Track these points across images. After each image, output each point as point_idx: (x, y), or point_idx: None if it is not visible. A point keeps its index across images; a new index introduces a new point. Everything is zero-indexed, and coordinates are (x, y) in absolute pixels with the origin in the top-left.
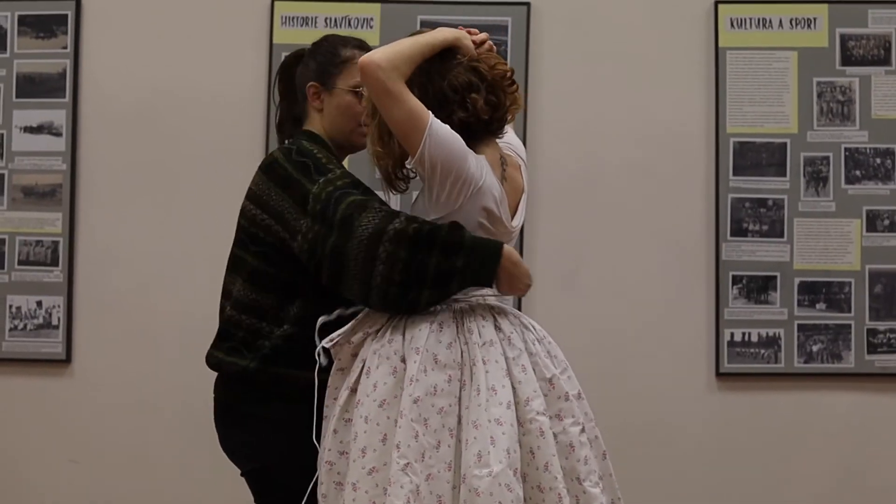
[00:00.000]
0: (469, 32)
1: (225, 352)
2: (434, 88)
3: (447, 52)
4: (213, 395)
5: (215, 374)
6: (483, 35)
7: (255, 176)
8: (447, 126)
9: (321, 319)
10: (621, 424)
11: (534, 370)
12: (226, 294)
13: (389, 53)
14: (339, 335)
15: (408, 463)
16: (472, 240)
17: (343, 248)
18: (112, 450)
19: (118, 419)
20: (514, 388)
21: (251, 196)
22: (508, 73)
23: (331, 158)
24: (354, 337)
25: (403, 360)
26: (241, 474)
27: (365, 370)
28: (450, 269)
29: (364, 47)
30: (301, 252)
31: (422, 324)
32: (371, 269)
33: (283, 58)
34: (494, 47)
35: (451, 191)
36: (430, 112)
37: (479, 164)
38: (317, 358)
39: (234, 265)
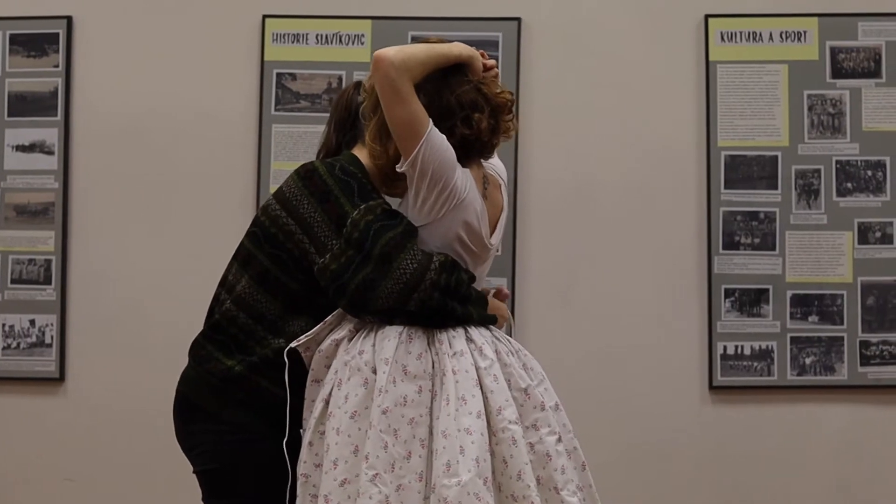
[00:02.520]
0: (482, 55)
1: (215, 345)
2: (442, 100)
3: (458, 68)
4: (177, 387)
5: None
6: (493, 62)
7: (288, 179)
8: (443, 136)
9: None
10: (615, 438)
11: (508, 381)
12: (228, 287)
13: (404, 54)
14: (306, 337)
15: (376, 474)
16: (476, 296)
17: (377, 283)
18: (107, 467)
19: (113, 437)
20: (485, 397)
21: (280, 197)
22: (509, 103)
23: (372, 185)
24: (323, 345)
25: (374, 372)
26: (194, 472)
27: (336, 382)
28: (468, 314)
29: None
30: (324, 270)
31: (391, 334)
32: (405, 304)
33: (274, 75)
34: (499, 75)
35: (436, 200)
36: (430, 119)
37: (464, 178)
38: (284, 359)
39: (245, 260)
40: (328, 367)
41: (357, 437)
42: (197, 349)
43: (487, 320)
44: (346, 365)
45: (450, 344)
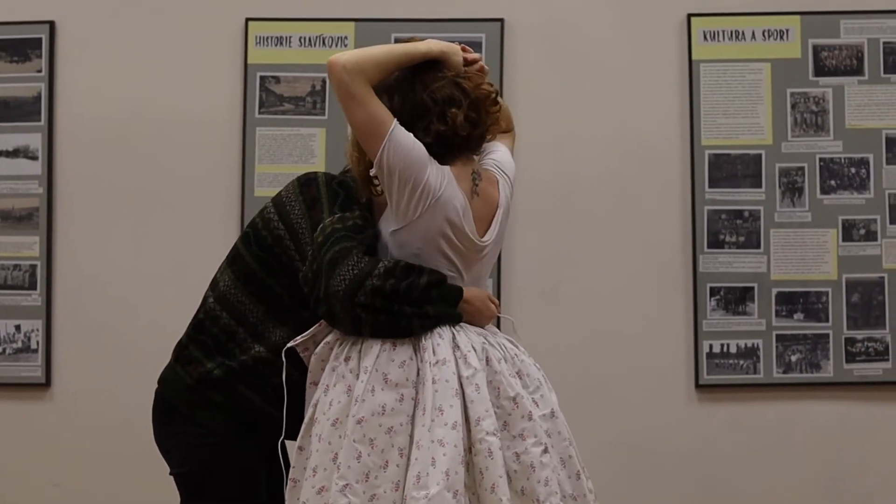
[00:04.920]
0: (463, 49)
1: (197, 346)
2: (415, 98)
3: (433, 65)
4: (155, 389)
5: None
6: (476, 55)
7: (288, 184)
8: (411, 135)
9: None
10: (602, 437)
11: (497, 389)
12: (213, 284)
13: (357, 56)
14: (303, 337)
15: (347, 484)
16: (438, 294)
17: (328, 292)
18: (94, 472)
19: (99, 442)
20: (466, 407)
21: (277, 201)
22: (492, 94)
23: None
24: (319, 348)
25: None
26: (171, 474)
27: (324, 388)
28: (423, 313)
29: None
30: (305, 278)
31: (375, 342)
32: (353, 316)
33: (257, 78)
34: (486, 69)
35: (409, 200)
36: (394, 119)
37: (439, 175)
38: (283, 359)
39: (232, 259)
40: (323, 370)
41: (337, 445)
42: (180, 350)
43: (447, 319)
44: (334, 371)
45: (433, 351)
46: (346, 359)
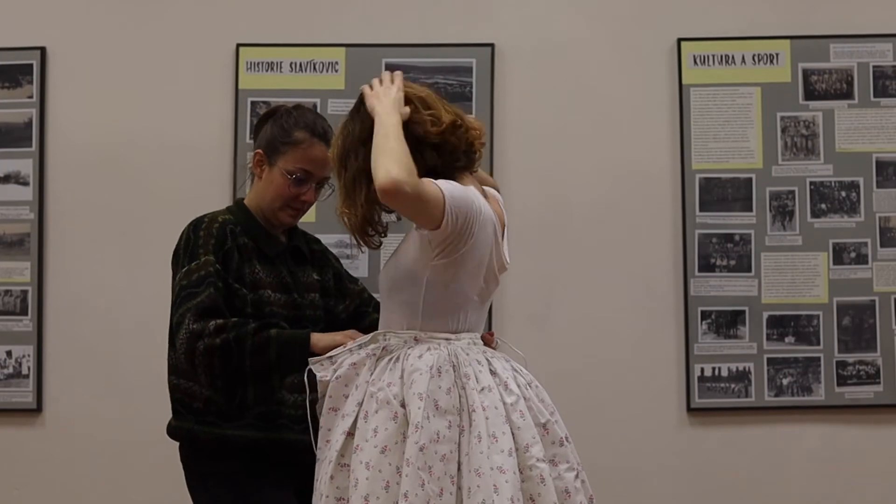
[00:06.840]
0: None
1: (173, 415)
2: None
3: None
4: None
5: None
6: (393, 74)
7: None
8: (445, 181)
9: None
10: (593, 461)
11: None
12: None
13: (399, 162)
14: (325, 357)
15: None
16: (277, 334)
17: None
18: (86, 499)
19: (91, 468)
20: (512, 434)
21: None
22: (456, 121)
23: (213, 241)
24: (341, 370)
25: (403, 405)
26: None
27: (362, 414)
28: (265, 364)
29: (317, 132)
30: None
31: (421, 367)
32: (198, 378)
33: (248, 104)
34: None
35: (461, 233)
36: (433, 180)
37: (476, 195)
38: (305, 380)
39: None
40: (346, 396)
41: (388, 473)
42: (168, 428)
43: (286, 365)
44: (373, 397)
45: (476, 378)
46: (389, 384)
